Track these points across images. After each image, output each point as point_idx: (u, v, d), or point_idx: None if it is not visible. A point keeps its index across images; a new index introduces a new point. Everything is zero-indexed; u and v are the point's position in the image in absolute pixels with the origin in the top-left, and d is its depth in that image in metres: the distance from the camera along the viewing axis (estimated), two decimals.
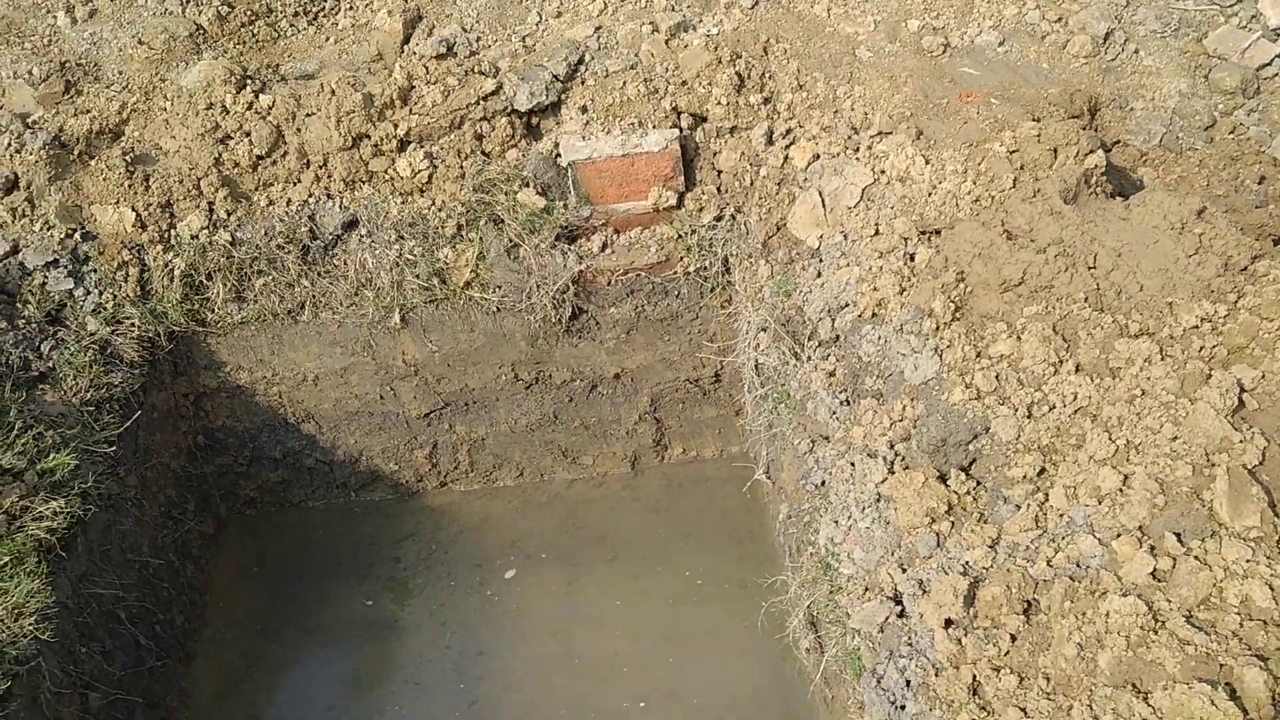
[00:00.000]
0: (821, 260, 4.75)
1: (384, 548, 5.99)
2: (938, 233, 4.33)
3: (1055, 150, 4.28)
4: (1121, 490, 3.33)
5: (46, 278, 4.90)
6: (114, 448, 4.68)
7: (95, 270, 4.96)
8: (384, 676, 5.43)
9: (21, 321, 4.80)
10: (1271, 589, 2.96)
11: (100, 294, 4.97)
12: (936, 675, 3.29)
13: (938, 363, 3.93)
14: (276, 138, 4.97)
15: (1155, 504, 3.25)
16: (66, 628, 4.31)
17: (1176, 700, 2.80)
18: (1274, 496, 3.16)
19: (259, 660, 5.53)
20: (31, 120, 4.98)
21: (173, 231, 5.01)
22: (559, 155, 5.02)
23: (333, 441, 5.91)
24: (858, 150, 4.79)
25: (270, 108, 4.96)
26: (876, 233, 4.50)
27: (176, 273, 5.01)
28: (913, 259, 4.31)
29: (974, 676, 3.21)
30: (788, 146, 4.99)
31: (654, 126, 4.99)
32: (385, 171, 5.06)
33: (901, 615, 3.56)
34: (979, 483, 3.72)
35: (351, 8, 5.44)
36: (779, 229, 4.97)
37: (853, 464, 4.07)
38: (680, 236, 5.22)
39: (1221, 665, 2.86)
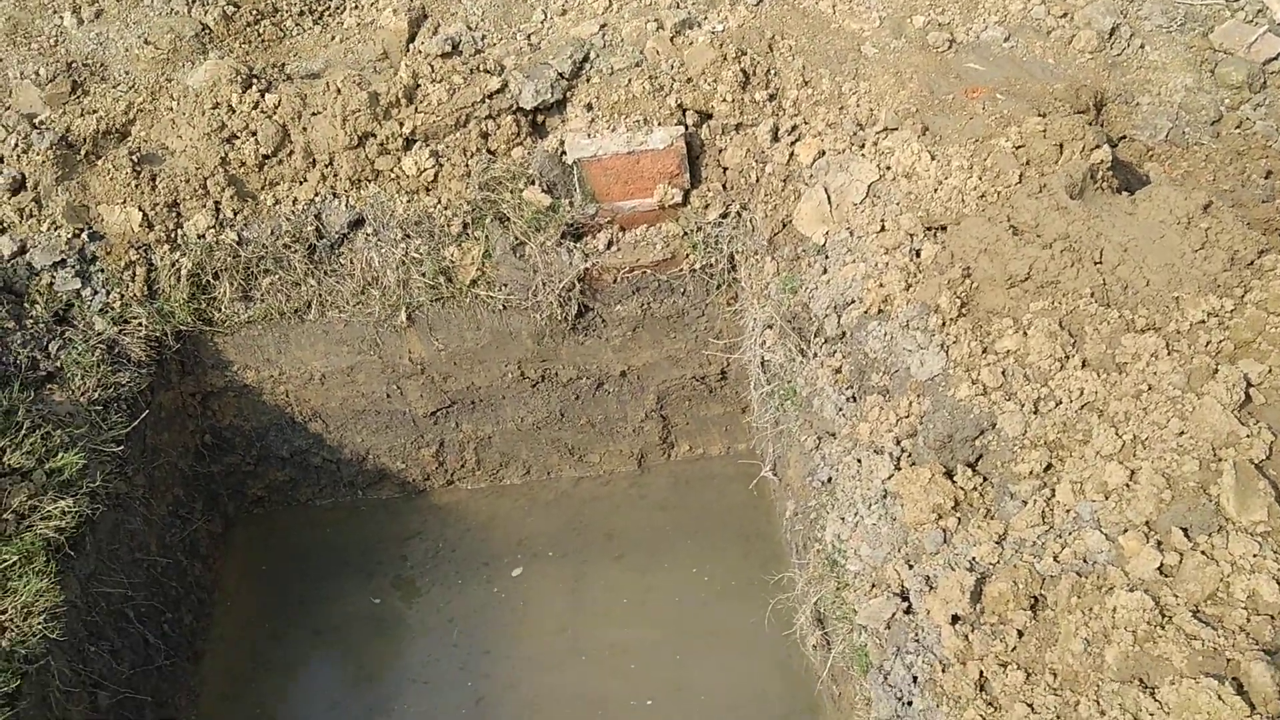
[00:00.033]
0: (827, 257, 4.75)
1: (391, 546, 6.00)
2: (944, 228, 4.33)
3: (1061, 145, 4.27)
4: (1128, 485, 3.33)
5: (54, 278, 4.92)
6: (122, 447, 4.70)
7: (102, 270, 4.99)
8: (391, 674, 5.44)
9: (29, 321, 4.83)
10: (1278, 583, 2.95)
11: (107, 294, 4.99)
12: (943, 671, 3.29)
13: (944, 359, 3.93)
14: (282, 137, 4.98)
15: (1162, 499, 3.25)
16: (75, 627, 4.32)
17: (1183, 695, 2.80)
18: None
19: (267, 658, 5.54)
20: (38, 120, 4.99)
21: (179, 231, 5.02)
22: (564, 153, 5.02)
23: (340, 440, 5.92)
24: (863, 146, 4.78)
25: (276, 107, 4.97)
26: (882, 229, 4.50)
27: (183, 272, 5.03)
28: (919, 255, 4.31)
29: (981, 672, 3.21)
30: (793, 143, 4.99)
31: (659, 124, 4.99)
32: (391, 170, 5.07)
33: (908, 611, 3.56)
34: (985, 479, 3.72)
35: (357, 7, 5.45)
36: (785, 226, 4.96)
37: (859, 460, 4.07)
38: (686, 234, 5.22)
39: (1228, 660, 2.86)
